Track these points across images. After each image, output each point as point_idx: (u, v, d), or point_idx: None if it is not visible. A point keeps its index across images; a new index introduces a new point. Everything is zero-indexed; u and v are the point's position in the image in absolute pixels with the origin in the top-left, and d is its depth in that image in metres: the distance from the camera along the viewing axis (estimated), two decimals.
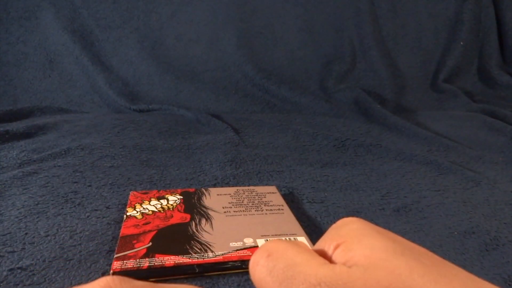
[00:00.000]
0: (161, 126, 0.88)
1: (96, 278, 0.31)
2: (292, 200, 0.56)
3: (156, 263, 0.38)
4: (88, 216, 0.49)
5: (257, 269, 0.17)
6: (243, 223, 0.46)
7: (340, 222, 0.19)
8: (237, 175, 0.63)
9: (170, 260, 0.39)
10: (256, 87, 1.16)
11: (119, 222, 0.48)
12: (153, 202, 0.50)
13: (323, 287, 0.15)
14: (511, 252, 0.44)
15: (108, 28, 1.15)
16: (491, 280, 0.40)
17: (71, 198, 0.53)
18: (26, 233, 0.45)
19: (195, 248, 0.41)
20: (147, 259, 0.39)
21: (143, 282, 0.19)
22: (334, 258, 0.17)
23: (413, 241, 0.46)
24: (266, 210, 0.50)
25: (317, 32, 1.26)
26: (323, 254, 0.18)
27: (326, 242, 0.18)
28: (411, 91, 1.23)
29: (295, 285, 0.15)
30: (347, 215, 0.19)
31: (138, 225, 0.45)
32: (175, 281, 0.37)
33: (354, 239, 0.17)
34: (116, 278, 0.19)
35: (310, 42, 1.25)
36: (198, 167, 0.67)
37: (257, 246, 0.42)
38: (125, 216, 0.47)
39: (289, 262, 0.16)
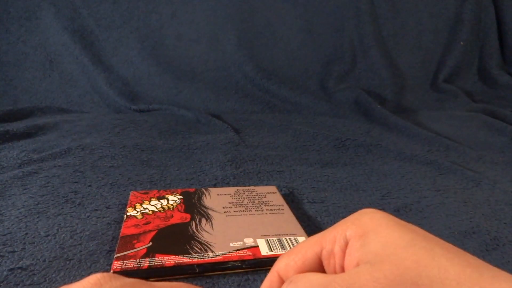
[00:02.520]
0: (161, 126, 0.88)
1: None
2: (292, 200, 0.56)
3: (156, 263, 0.38)
4: (88, 216, 0.49)
5: None
6: (243, 223, 0.46)
7: (362, 211, 0.20)
8: (237, 175, 0.63)
9: (170, 260, 0.39)
10: (256, 87, 1.16)
11: (119, 222, 0.48)
12: (153, 202, 0.50)
13: (337, 282, 0.16)
14: (511, 252, 0.44)
15: (108, 28, 1.15)
16: None
17: (71, 198, 0.53)
18: (26, 233, 0.45)
19: (195, 248, 0.41)
20: (147, 259, 0.39)
21: (133, 279, 0.19)
22: (350, 247, 0.18)
23: None
24: (266, 210, 0.50)
25: (317, 32, 1.26)
26: (333, 240, 0.19)
27: (345, 227, 0.19)
28: (411, 91, 1.23)
29: None
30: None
31: (138, 225, 0.45)
32: (175, 281, 0.37)
33: (371, 233, 0.17)
34: (106, 275, 0.19)
35: (310, 42, 1.25)
36: (198, 167, 0.67)
37: (257, 246, 0.42)
38: (125, 216, 0.47)
39: (307, 280, 0.18)
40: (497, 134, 0.90)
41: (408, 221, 0.50)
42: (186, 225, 0.45)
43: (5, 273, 0.38)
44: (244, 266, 0.39)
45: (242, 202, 0.51)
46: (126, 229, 0.44)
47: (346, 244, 0.18)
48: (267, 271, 0.40)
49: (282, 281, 0.20)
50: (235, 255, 0.40)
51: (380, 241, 0.17)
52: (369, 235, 0.17)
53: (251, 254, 0.40)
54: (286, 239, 0.43)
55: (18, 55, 1.11)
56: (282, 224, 0.46)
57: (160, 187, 0.59)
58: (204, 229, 0.44)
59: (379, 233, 0.17)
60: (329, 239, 0.19)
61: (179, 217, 0.47)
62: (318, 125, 0.94)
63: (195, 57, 1.18)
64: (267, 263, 0.40)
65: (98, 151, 0.71)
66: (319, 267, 0.19)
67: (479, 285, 0.14)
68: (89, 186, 0.58)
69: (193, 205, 0.50)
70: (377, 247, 0.17)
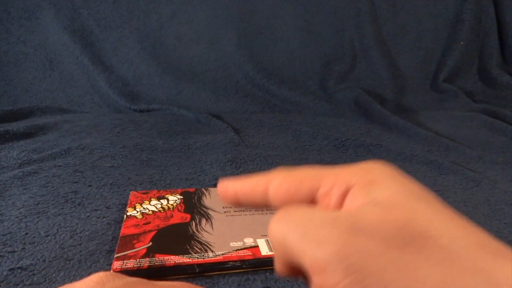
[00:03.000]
0: (161, 126, 0.88)
1: None
2: None
3: (156, 263, 0.38)
4: (88, 216, 0.49)
5: (276, 226, 0.17)
6: (243, 223, 0.46)
7: (370, 162, 0.18)
8: (237, 175, 0.63)
9: (170, 260, 0.39)
10: (256, 87, 1.16)
11: (119, 222, 0.48)
12: (153, 202, 0.50)
13: (341, 218, 0.15)
14: None
15: (108, 28, 1.15)
16: None
17: (71, 198, 0.53)
18: (26, 233, 0.44)
19: (195, 248, 0.41)
20: (147, 259, 0.39)
21: (135, 278, 0.19)
22: (354, 193, 0.16)
23: None
24: (266, 210, 0.50)
25: (317, 32, 1.26)
26: (333, 183, 0.17)
27: (351, 172, 0.17)
28: (411, 91, 1.23)
29: (314, 224, 0.15)
30: None
31: (138, 225, 0.45)
32: (175, 281, 0.37)
33: (380, 182, 0.16)
34: (109, 273, 0.19)
35: (310, 42, 1.25)
36: (198, 167, 0.67)
37: (257, 246, 0.42)
38: (125, 216, 0.47)
39: (305, 211, 0.16)
40: (497, 134, 0.90)
41: None
42: (186, 225, 0.45)
43: (5, 273, 0.38)
44: (244, 266, 0.39)
45: None
46: (126, 229, 0.44)
47: (348, 190, 0.17)
48: (267, 271, 0.40)
49: (265, 192, 0.19)
50: (235, 255, 0.40)
51: (390, 189, 0.16)
52: (378, 183, 0.16)
53: (251, 254, 0.40)
54: None
55: (18, 55, 1.11)
56: None
57: (160, 187, 0.59)
58: (204, 229, 0.44)
59: (388, 183, 0.16)
60: (329, 181, 0.17)
61: (179, 217, 0.47)
62: (318, 125, 0.94)
63: (195, 57, 1.18)
64: (267, 263, 0.40)
65: (98, 151, 0.71)
66: (310, 204, 0.18)
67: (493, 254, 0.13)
68: (89, 186, 0.58)
69: (193, 205, 0.50)
70: (386, 194, 0.15)
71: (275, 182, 0.19)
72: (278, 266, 0.18)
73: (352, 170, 0.17)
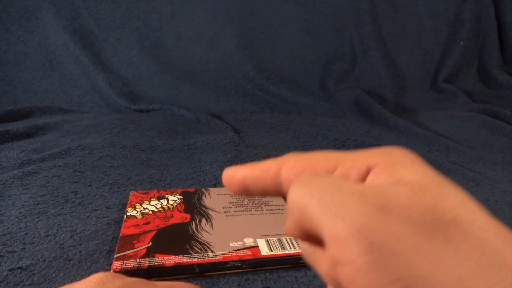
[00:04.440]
0: (161, 126, 0.88)
1: None
2: None
3: (156, 263, 0.38)
4: (88, 216, 0.49)
5: (298, 190, 0.16)
6: (243, 223, 0.46)
7: (391, 147, 0.17)
8: None
9: (170, 260, 0.39)
10: (256, 87, 1.16)
11: (119, 222, 0.48)
12: (153, 202, 0.50)
13: (369, 193, 0.14)
14: None
15: (108, 28, 1.15)
16: None
17: (71, 198, 0.53)
18: (26, 233, 0.44)
19: (195, 248, 0.41)
20: (147, 259, 0.39)
21: (135, 278, 0.19)
22: (375, 174, 0.16)
23: None
24: (266, 210, 0.50)
25: (317, 32, 1.26)
26: (352, 165, 0.16)
27: (371, 155, 0.16)
28: (411, 91, 1.23)
29: (340, 194, 0.14)
30: None
31: (138, 225, 0.45)
32: (175, 281, 0.37)
33: (403, 165, 0.15)
34: (109, 274, 0.19)
35: (310, 42, 1.25)
36: (198, 167, 0.67)
37: (257, 246, 0.42)
38: (125, 216, 0.47)
39: (333, 179, 0.15)
40: (497, 134, 0.90)
41: None
42: (186, 225, 0.45)
43: (5, 273, 0.38)
44: (244, 266, 0.39)
45: (242, 202, 0.51)
46: (126, 229, 0.44)
47: (368, 172, 0.16)
48: (267, 271, 0.40)
49: (276, 177, 0.18)
50: (235, 255, 0.40)
51: (416, 173, 0.15)
52: (403, 165, 0.15)
53: (251, 254, 0.40)
54: (286, 239, 0.43)
55: (18, 55, 1.11)
56: (282, 224, 0.46)
57: (160, 187, 0.59)
58: (204, 229, 0.44)
59: (413, 166, 0.15)
60: (347, 162, 0.16)
61: (179, 217, 0.47)
62: (318, 125, 0.94)
63: (195, 57, 1.18)
64: (267, 263, 0.40)
65: (98, 151, 0.71)
66: None
67: None
68: (89, 186, 0.57)
69: (193, 205, 0.50)
70: (413, 176, 0.15)
71: (288, 165, 0.18)
72: (290, 227, 0.17)
73: (373, 152, 0.16)
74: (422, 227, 0.13)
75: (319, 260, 0.16)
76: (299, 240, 0.18)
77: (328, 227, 0.14)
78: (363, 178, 0.16)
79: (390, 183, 0.15)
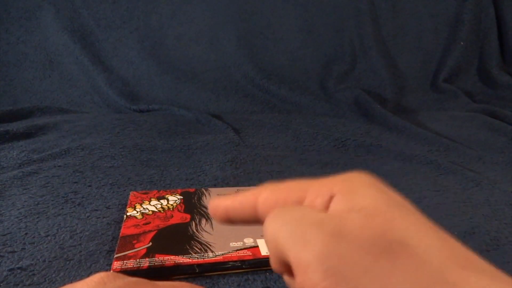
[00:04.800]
0: (161, 126, 0.88)
1: None
2: None
3: (156, 263, 0.38)
4: (88, 216, 0.49)
5: (270, 224, 0.17)
6: None
7: (351, 173, 0.19)
8: (237, 175, 0.63)
9: (170, 260, 0.39)
10: (256, 87, 1.16)
11: (119, 222, 0.48)
12: (153, 202, 0.50)
13: (326, 222, 0.15)
14: (511, 252, 0.44)
15: (108, 28, 1.15)
16: None
17: (71, 198, 0.53)
18: (26, 233, 0.44)
19: (195, 248, 0.41)
20: (147, 259, 0.39)
21: (136, 278, 0.19)
22: (336, 202, 0.17)
23: None
24: None
25: (317, 32, 1.26)
26: (317, 194, 0.18)
27: (333, 182, 0.18)
28: (411, 91, 1.23)
29: (302, 224, 0.16)
30: None
31: (138, 225, 0.45)
32: (175, 281, 0.37)
33: (361, 190, 0.17)
34: (110, 273, 0.19)
35: (310, 42, 1.25)
36: (198, 167, 0.67)
37: (257, 246, 0.42)
38: (125, 216, 0.47)
39: (297, 211, 0.17)
40: (497, 134, 0.90)
41: None
42: (186, 225, 0.45)
43: (5, 273, 0.38)
44: (244, 266, 0.39)
45: None
46: (126, 229, 0.44)
47: (330, 199, 0.17)
48: (267, 271, 0.40)
49: (254, 207, 0.19)
50: (235, 255, 0.40)
51: (370, 197, 0.16)
52: (359, 191, 0.17)
53: (251, 254, 0.40)
54: None
55: (18, 55, 1.11)
56: None
57: (160, 187, 0.59)
58: (204, 229, 0.44)
59: (368, 191, 0.17)
60: (314, 191, 0.18)
61: (179, 217, 0.47)
62: (318, 125, 0.94)
63: (195, 57, 1.18)
64: (267, 263, 0.40)
65: (98, 151, 0.71)
66: None
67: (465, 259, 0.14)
68: (89, 186, 0.57)
69: (193, 205, 0.50)
70: (367, 202, 0.16)
71: (263, 195, 0.19)
72: (272, 262, 0.19)
73: (335, 180, 0.18)
74: (372, 250, 0.14)
75: None
76: (283, 275, 0.19)
77: (293, 255, 0.15)
78: (327, 206, 0.17)
79: (346, 210, 0.16)
